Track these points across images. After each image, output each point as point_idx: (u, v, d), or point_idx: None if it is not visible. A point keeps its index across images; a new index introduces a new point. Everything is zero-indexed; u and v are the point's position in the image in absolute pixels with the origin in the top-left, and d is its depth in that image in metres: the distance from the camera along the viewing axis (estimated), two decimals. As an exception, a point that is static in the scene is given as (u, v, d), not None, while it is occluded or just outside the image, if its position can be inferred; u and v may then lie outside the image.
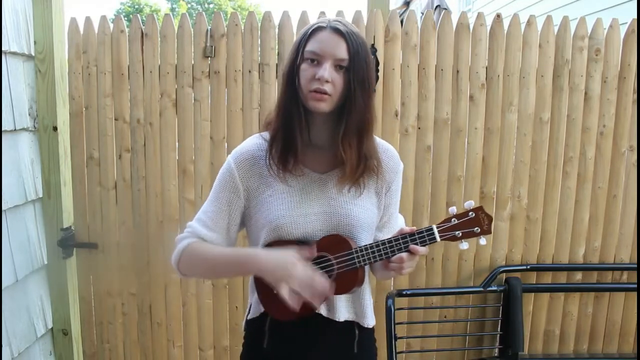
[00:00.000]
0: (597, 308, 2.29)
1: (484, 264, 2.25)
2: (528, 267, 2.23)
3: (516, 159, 2.18)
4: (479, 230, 1.17)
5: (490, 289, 2.20)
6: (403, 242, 1.16)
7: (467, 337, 2.32)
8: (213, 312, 2.30)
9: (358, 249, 1.18)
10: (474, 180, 2.19)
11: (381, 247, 1.17)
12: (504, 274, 2.22)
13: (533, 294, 2.27)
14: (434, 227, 1.17)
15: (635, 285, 2.21)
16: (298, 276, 1.11)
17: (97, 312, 2.33)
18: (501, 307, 2.24)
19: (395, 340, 2.14)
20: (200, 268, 1.28)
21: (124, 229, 2.24)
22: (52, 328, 2.19)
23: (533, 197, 2.20)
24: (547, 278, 2.27)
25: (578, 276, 2.27)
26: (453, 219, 1.17)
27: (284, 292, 1.11)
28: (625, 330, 2.31)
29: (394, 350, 2.09)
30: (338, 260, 1.18)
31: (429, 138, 2.16)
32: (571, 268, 2.25)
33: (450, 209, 1.19)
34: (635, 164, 2.17)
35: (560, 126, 2.15)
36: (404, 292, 2.20)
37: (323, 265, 1.19)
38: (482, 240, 1.18)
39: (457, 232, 1.17)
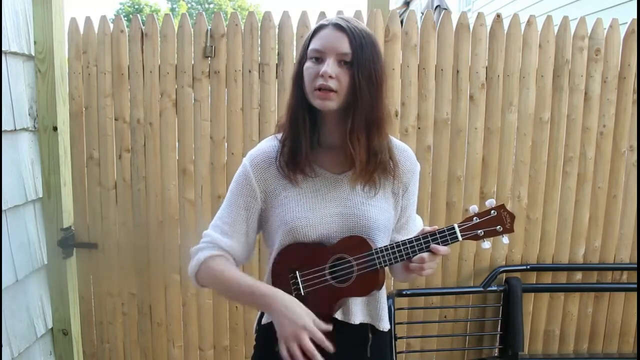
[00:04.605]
0: (597, 308, 2.29)
1: (484, 264, 2.25)
2: (528, 267, 2.23)
3: (516, 159, 2.18)
4: (502, 228, 1.15)
5: (490, 289, 2.20)
6: (424, 241, 1.14)
7: (467, 337, 2.31)
8: (213, 312, 2.29)
9: (378, 249, 1.16)
10: (474, 180, 2.19)
11: (402, 247, 1.15)
12: (504, 274, 2.22)
13: (533, 294, 2.27)
14: (456, 225, 1.15)
15: (635, 285, 2.21)
16: (303, 343, 1.07)
17: (97, 312, 2.33)
18: (501, 307, 2.24)
19: (395, 340, 2.14)
20: (216, 287, 1.26)
21: (124, 229, 2.24)
22: (52, 328, 2.19)
23: (533, 197, 2.20)
24: (547, 278, 2.27)
25: (578, 276, 2.27)
26: (475, 218, 1.15)
27: (283, 350, 1.09)
28: (625, 330, 2.31)
29: (394, 350, 2.09)
30: (358, 261, 1.16)
31: (429, 138, 2.16)
32: (571, 268, 2.25)
33: (471, 207, 1.17)
34: (635, 164, 2.17)
35: (560, 126, 2.15)
36: (404, 292, 2.20)
37: (342, 267, 1.17)
38: (505, 239, 1.17)
39: (479, 231, 1.15)
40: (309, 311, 1.11)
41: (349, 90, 1.13)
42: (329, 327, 1.11)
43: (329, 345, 1.09)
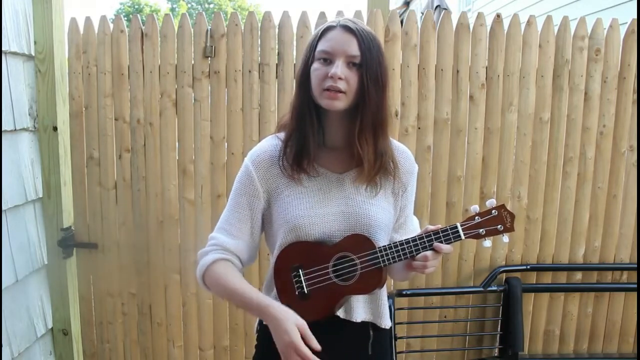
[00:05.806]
0: (597, 308, 2.29)
1: (484, 264, 2.25)
2: (528, 267, 2.23)
3: (516, 159, 2.18)
4: (502, 228, 1.18)
5: (490, 289, 2.20)
6: (427, 240, 1.16)
7: (467, 337, 2.32)
8: (213, 312, 2.29)
9: (382, 247, 1.17)
10: (474, 180, 2.19)
11: (405, 246, 1.16)
12: (504, 274, 2.23)
13: (533, 294, 2.27)
14: (459, 224, 1.17)
15: (635, 285, 2.21)
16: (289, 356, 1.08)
17: (97, 312, 2.33)
18: (501, 307, 2.24)
19: (395, 340, 2.15)
20: (219, 292, 1.26)
21: (124, 229, 2.24)
22: (52, 328, 2.19)
23: (533, 197, 2.20)
24: (547, 278, 2.27)
25: (578, 276, 2.27)
26: (476, 217, 1.17)
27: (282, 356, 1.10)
28: (625, 330, 2.31)
29: (394, 350, 2.09)
30: (362, 259, 1.17)
31: (429, 138, 2.16)
32: (571, 268, 2.25)
33: (472, 207, 1.19)
34: (635, 164, 2.17)
35: (560, 126, 2.15)
36: (404, 292, 2.20)
37: (346, 265, 1.18)
38: (505, 238, 1.19)
39: (480, 230, 1.17)
40: (300, 324, 1.09)
41: (357, 91, 1.15)
42: (318, 347, 1.08)
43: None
